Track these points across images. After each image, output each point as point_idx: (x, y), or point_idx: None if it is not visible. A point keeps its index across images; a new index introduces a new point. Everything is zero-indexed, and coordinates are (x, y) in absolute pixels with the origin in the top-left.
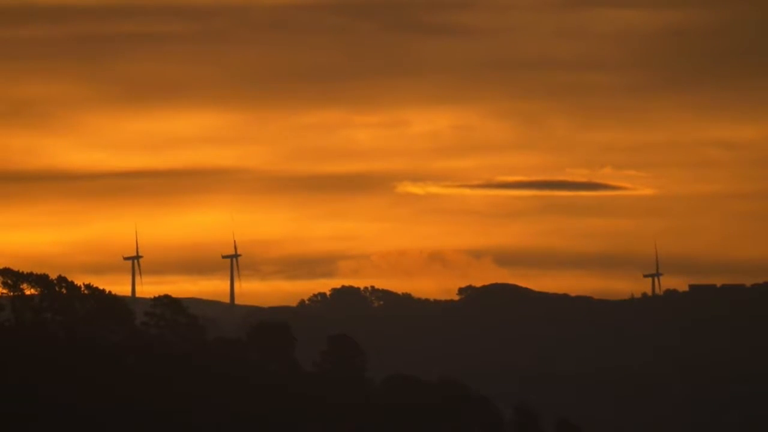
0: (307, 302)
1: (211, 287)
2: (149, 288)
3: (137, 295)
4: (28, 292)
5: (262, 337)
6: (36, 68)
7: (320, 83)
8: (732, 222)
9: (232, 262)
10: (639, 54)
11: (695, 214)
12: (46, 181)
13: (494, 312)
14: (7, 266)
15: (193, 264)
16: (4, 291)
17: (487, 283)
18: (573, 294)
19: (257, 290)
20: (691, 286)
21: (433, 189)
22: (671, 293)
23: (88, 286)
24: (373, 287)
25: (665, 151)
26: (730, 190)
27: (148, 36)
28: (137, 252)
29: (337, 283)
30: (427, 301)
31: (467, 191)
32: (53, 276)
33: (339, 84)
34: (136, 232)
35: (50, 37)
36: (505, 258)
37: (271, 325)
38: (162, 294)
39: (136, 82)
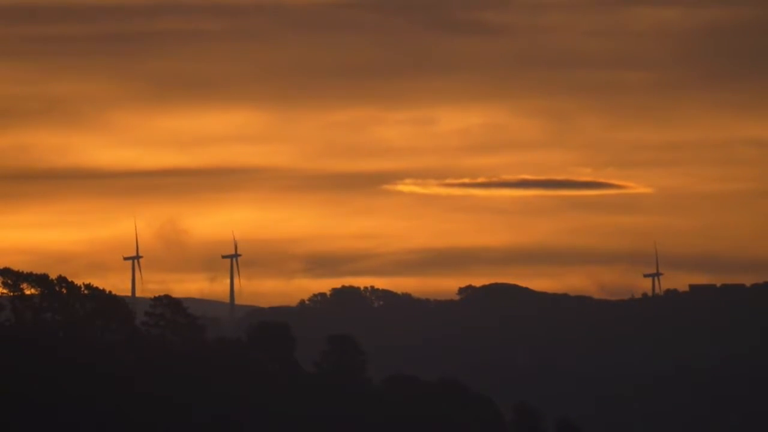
0: (307, 302)
1: (220, 286)
2: (152, 287)
3: (137, 294)
4: (28, 292)
5: (262, 337)
6: (67, 66)
7: (352, 80)
8: (760, 220)
9: (232, 262)
10: (672, 52)
11: (723, 212)
12: (75, 179)
13: (494, 312)
14: (8, 266)
15: (198, 263)
16: (4, 291)
17: (487, 282)
18: (573, 294)
19: (257, 290)
20: (691, 286)
21: (459, 188)
22: (671, 293)
23: (88, 286)
24: (373, 287)
25: (695, 150)
26: (760, 189)
27: (179, 34)
28: (137, 252)
29: (337, 282)
30: (427, 301)
31: (490, 191)
32: (53, 276)
33: (370, 81)
34: (135, 231)
35: (81, 35)
36: (529, 256)
37: (271, 325)
38: (162, 294)
39: (166, 80)
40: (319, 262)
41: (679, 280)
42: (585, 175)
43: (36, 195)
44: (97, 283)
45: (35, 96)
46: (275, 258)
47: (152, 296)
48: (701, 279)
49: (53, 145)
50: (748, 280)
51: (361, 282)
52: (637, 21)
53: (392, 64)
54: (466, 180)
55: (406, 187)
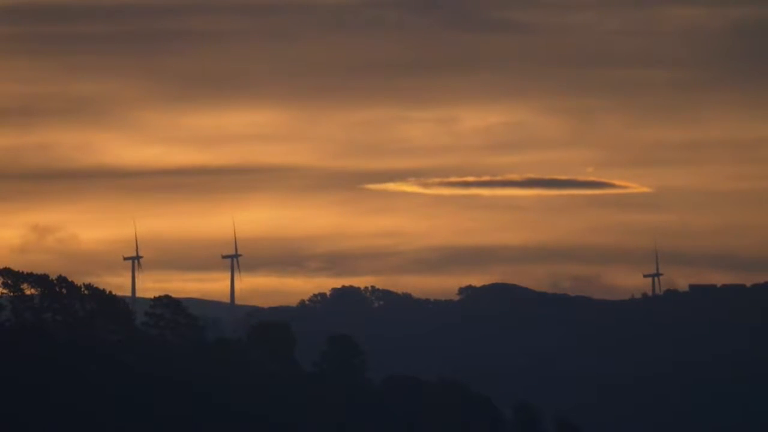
0: (307, 302)
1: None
2: (155, 285)
3: (137, 294)
4: (28, 292)
5: (262, 337)
6: (90, 65)
7: (375, 79)
8: None
9: (232, 262)
10: (698, 51)
11: (746, 210)
12: (98, 178)
13: (494, 312)
14: (29, 264)
15: (202, 263)
16: (4, 291)
17: (487, 283)
18: (573, 294)
19: (257, 290)
20: (691, 286)
21: (460, 187)
22: (671, 293)
23: (88, 286)
24: (373, 287)
25: (716, 149)
26: None
27: (202, 33)
28: (137, 252)
29: (338, 283)
30: (427, 301)
31: (494, 190)
32: (53, 276)
33: (393, 80)
34: (135, 230)
35: (105, 34)
36: (530, 255)
37: (271, 325)
38: (162, 294)
39: (189, 79)
40: (337, 261)
41: (679, 280)
42: (594, 174)
43: (59, 194)
44: (115, 280)
45: (59, 95)
46: (294, 257)
47: (152, 296)
48: (701, 279)
49: (75, 143)
50: (748, 280)
51: (380, 281)
52: (663, 20)
53: (416, 63)
54: (470, 179)
55: (417, 187)
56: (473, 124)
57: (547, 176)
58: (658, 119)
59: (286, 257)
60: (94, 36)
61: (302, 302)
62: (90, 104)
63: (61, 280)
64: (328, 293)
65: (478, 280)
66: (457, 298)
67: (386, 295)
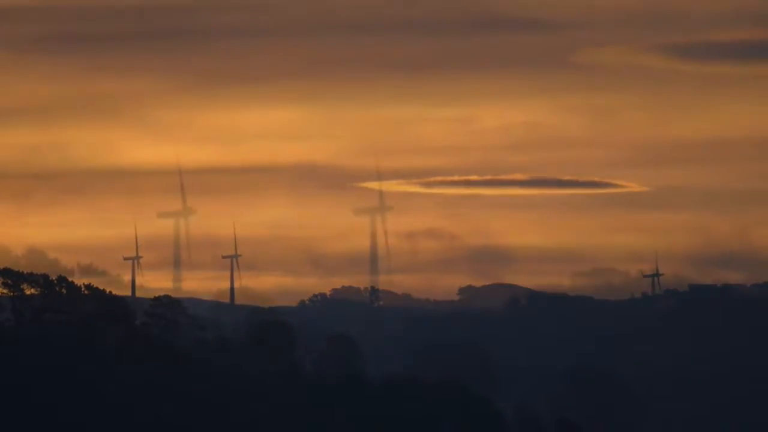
0: (307, 302)
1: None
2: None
3: (137, 294)
4: (28, 292)
5: (262, 337)
6: (107, 64)
7: (395, 78)
8: None
9: (232, 262)
10: (720, 49)
11: (748, 210)
12: (115, 177)
13: (494, 312)
14: (47, 264)
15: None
16: (4, 291)
17: (487, 283)
18: (573, 294)
19: (258, 290)
20: (691, 286)
21: (481, 186)
22: (671, 293)
23: (88, 286)
24: (372, 287)
25: (724, 148)
26: None
27: (221, 30)
28: (137, 252)
29: (337, 282)
30: (427, 301)
31: (494, 189)
32: (53, 276)
33: (413, 79)
34: (135, 231)
35: (122, 32)
36: (529, 255)
37: (271, 325)
38: (162, 294)
39: (208, 77)
40: (354, 261)
41: (679, 280)
42: (599, 174)
43: (76, 193)
44: (114, 280)
45: (76, 93)
46: (310, 256)
47: (152, 296)
48: (702, 279)
49: (92, 142)
50: (748, 280)
51: (385, 280)
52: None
53: (435, 61)
54: (474, 177)
55: (418, 187)
56: (491, 123)
57: (549, 176)
58: (677, 118)
59: (297, 256)
60: (112, 35)
61: (302, 302)
62: (107, 103)
63: (61, 280)
64: (328, 293)
65: (478, 280)
66: (457, 298)
67: (386, 295)
